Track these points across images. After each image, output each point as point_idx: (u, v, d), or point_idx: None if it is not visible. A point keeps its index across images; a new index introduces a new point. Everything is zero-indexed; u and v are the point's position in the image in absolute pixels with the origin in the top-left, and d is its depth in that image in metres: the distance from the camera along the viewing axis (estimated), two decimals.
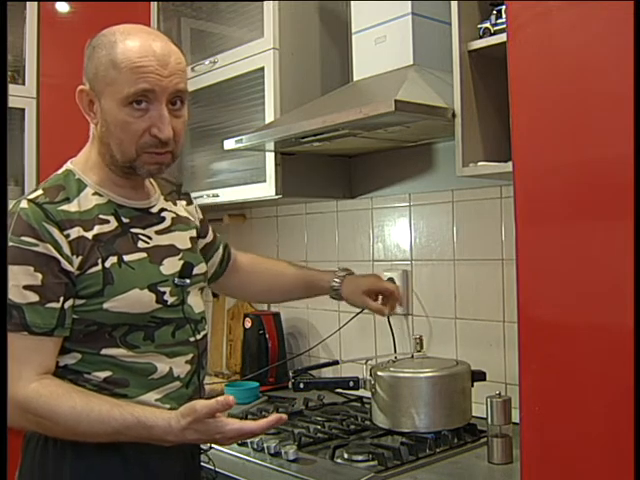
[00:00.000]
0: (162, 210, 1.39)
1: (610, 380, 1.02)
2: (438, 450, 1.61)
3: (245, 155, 2.18)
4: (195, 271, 1.39)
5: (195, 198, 2.37)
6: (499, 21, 1.57)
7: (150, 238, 1.32)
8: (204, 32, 2.44)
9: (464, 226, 2.03)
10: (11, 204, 1.26)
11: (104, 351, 1.24)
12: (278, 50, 2.10)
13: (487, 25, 1.60)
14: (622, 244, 0.99)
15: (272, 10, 2.09)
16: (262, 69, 2.11)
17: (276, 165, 2.10)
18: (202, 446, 1.43)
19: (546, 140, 1.10)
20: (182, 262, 1.36)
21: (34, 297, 1.17)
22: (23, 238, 1.18)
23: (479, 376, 1.76)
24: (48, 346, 1.20)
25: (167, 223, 1.37)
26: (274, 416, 1.22)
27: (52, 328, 1.19)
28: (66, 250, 1.20)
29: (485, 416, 1.56)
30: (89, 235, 1.23)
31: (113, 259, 1.24)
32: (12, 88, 2.41)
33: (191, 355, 1.34)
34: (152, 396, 1.26)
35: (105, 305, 1.22)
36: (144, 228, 1.32)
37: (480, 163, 1.59)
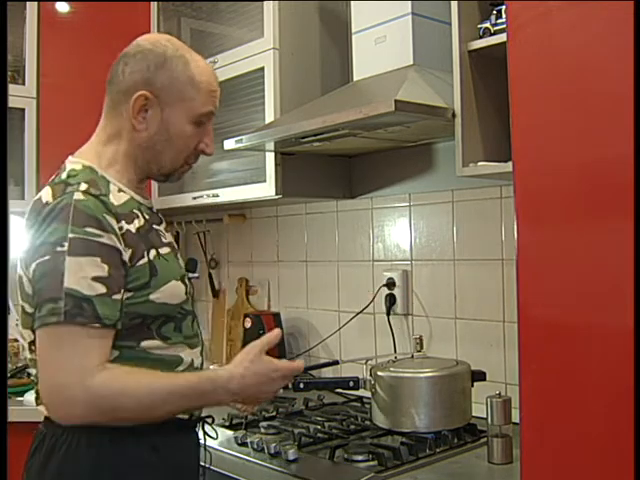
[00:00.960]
0: (158, 210, 1.44)
1: (610, 380, 1.02)
2: (438, 450, 1.61)
3: (245, 155, 2.18)
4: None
5: (195, 198, 2.40)
6: (499, 21, 1.57)
7: (164, 235, 1.36)
8: (204, 32, 2.44)
9: (464, 226, 2.03)
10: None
11: (143, 344, 1.25)
12: (278, 50, 2.10)
13: (487, 25, 1.60)
14: (622, 244, 0.99)
15: (272, 10, 2.09)
16: (262, 69, 2.11)
17: (276, 165, 2.10)
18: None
19: (546, 140, 1.10)
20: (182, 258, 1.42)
21: (102, 289, 1.16)
22: (87, 229, 1.17)
23: (479, 376, 1.76)
24: (110, 337, 1.20)
25: (164, 222, 1.42)
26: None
27: (117, 320, 1.19)
28: (122, 242, 1.21)
29: (485, 416, 1.56)
30: (132, 228, 1.25)
31: (153, 252, 1.27)
32: (12, 88, 2.41)
33: (201, 346, 1.39)
34: None
35: (151, 296, 1.25)
36: (158, 225, 1.36)
37: (480, 163, 1.59)
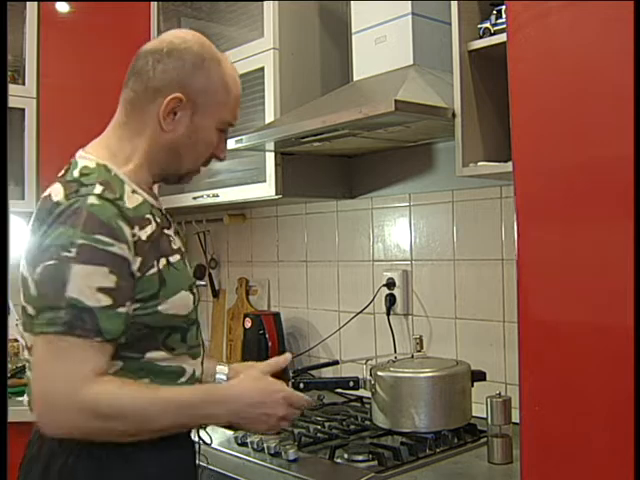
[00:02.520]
0: (167, 212, 1.38)
1: (610, 380, 1.02)
2: (438, 450, 1.61)
3: (245, 155, 2.18)
4: None
5: (195, 198, 2.40)
6: (499, 21, 1.57)
7: (174, 240, 1.30)
8: (204, 32, 2.41)
9: (464, 226, 2.03)
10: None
11: (148, 355, 1.20)
12: (278, 50, 2.10)
13: (487, 25, 1.60)
14: (622, 244, 0.99)
15: (272, 10, 2.09)
16: (262, 69, 2.11)
17: (276, 165, 2.10)
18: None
19: (546, 140, 1.10)
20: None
21: (107, 301, 1.11)
22: (98, 237, 1.11)
23: (479, 376, 1.76)
24: (110, 351, 1.14)
25: (173, 225, 1.36)
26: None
27: (120, 334, 1.13)
28: (132, 251, 1.15)
29: (485, 416, 1.56)
30: (144, 236, 1.19)
31: (163, 261, 1.22)
32: (12, 88, 2.41)
33: (202, 355, 1.34)
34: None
35: (160, 307, 1.19)
36: (168, 229, 1.30)
37: (480, 163, 1.59)
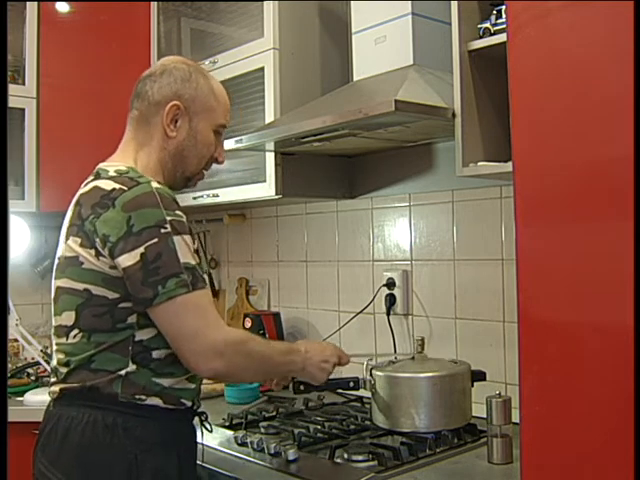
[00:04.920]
0: None
1: (610, 380, 1.02)
2: (438, 450, 1.61)
3: (245, 155, 2.18)
4: None
5: (195, 198, 2.40)
6: (499, 21, 1.57)
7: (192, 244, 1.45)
8: (204, 32, 2.44)
9: (464, 226, 2.03)
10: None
11: None
12: (278, 50, 2.10)
13: (487, 25, 1.60)
14: (622, 244, 0.99)
15: (272, 10, 2.09)
16: (262, 69, 2.11)
17: (276, 165, 2.10)
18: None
19: (546, 140, 1.10)
20: None
21: (197, 259, 1.34)
22: (178, 212, 1.33)
23: (479, 376, 1.76)
24: None
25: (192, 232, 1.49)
26: None
27: None
28: None
29: (485, 416, 1.56)
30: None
31: None
32: (12, 88, 2.41)
33: None
34: (190, 378, 1.40)
35: None
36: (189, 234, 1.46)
37: (480, 163, 1.59)
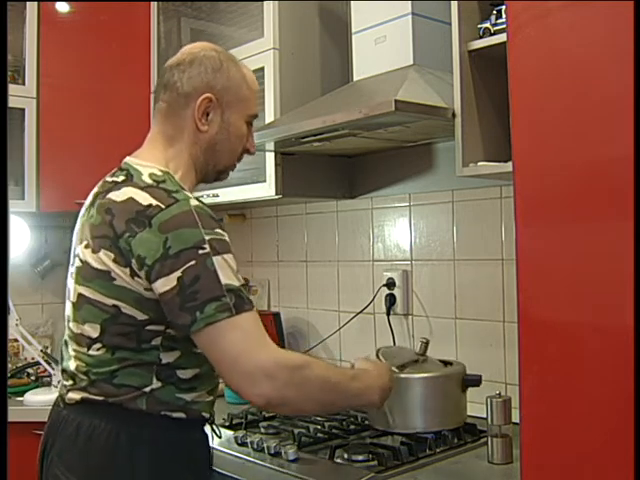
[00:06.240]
0: None
1: (610, 380, 1.02)
2: (438, 450, 1.61)
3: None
4: None
5: (195, 198, 2.39)
6: (499, 21, 1.57)
7: None
8: (204, 32, 2.44)
9: (464, 226, 2.03)
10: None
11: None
12: (278, 50, 2.10)
13: (487, 25, 1.60)
14: (622, 244, 0.99)
15: (272, 10, 2.09)
16: (262, 69, 2.11)
17: (276, 165, 2.10)
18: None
19: (546, 140, 1.10)
20: None
21: (241, 280, 1.26)
22: (218, 230, 1.25)
23: (473, 381, 1.74)
24: None
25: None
26: None
27: None
28: None
29: (485, 416, 1.56)
30: None
31: None
32: (12, 88, 2.40)
33: None
34: (210, 391, 1.37)
35: None
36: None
37: (480, 163, 1.59)
